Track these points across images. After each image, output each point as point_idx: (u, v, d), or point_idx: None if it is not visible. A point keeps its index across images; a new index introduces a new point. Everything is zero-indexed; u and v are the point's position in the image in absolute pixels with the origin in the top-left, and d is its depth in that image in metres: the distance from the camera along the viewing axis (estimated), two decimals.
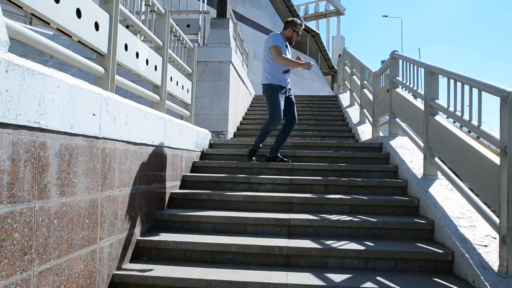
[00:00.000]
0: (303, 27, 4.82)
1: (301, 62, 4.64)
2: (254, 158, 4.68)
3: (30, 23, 6.20)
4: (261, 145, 4.70)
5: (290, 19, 4.83)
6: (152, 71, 3.59)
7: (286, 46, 4.71)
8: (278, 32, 4.76)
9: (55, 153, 1.89)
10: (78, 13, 2.27)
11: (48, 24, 2.05)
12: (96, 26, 2.50)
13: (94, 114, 2.22)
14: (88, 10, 2.39)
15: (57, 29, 2.14)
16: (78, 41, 2.37)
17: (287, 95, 4.73)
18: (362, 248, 2.85)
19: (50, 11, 2.00)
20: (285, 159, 4.64)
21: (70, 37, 2.29)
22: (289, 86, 4.77)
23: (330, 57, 26.51)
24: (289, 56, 4.71)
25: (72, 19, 2.21)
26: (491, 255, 2.51)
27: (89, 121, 2.17)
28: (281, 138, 4.71)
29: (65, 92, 1.92)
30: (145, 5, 3.70)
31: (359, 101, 7.49)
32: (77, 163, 2.08)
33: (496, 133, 2.52)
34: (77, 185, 2.09)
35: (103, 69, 2.65)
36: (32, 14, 1.92)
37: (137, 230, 2.94)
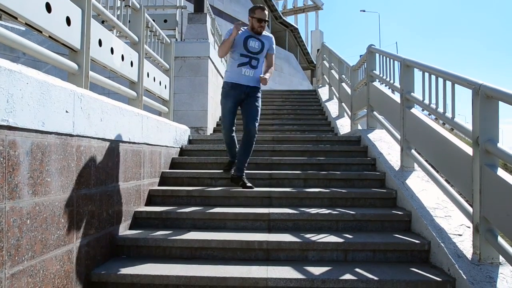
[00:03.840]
0: (266, 10, 3.91)
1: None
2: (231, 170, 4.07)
3: None
4: (232, 158, 4.16)
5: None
6: (128, 67, 3.53)
7: (250, 37, 3.85)
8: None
9: (26, 152, 1.83)
10: (48, 8, 2.20)
11: (16, 18, 1.99)
12: (68, 21, 2.43)
13: (67, 111, 2.17)
14: (59, 5, 2.32)
15: (26, 24, 2.08)
16: (49, 37, 2.31)
17: (244, 96, 3.86)
18: (341, 240, 2.88)
19: (16, 5, 1.94)
20: (247, 185, 3.77)
21: (41, 32, 2.23)
22: (252, 84, 3.85)
23: (309, 51, 26.67)
24: (255, 46, 3.84)
25: (41, 13, 2.15)
26: (465, 244, 2.57)
27: (62, 119, 2.12)
28: (239, 154, 3.91)
29: (35, 89, 1.87)
30: None
31: (337, 95, 7.55)
32: (50, 161, 2.03)
33: (469, 125, 2.57)
34: (51, 184, 2.04)
35: (76, 65, 2.59)
36: None
37: (116, 228, 2.90)
